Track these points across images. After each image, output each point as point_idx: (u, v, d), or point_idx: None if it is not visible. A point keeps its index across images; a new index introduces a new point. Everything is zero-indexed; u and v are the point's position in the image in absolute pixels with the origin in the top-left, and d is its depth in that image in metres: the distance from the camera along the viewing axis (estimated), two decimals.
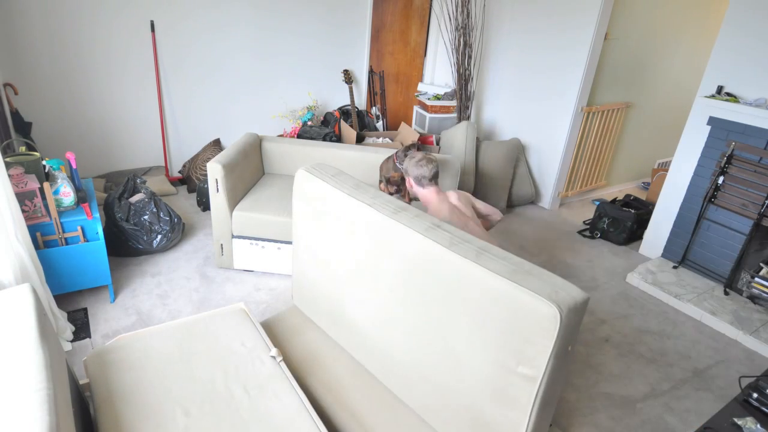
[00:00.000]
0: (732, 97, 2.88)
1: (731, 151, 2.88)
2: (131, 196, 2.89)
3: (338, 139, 3.88)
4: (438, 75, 4.88)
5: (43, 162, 2.40)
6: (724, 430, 1.65)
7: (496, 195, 3.88)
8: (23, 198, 2.15)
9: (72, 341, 2.21)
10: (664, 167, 4.63)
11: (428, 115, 4.43)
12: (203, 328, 1.89)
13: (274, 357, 1.79)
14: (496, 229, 3.71)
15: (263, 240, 2.75)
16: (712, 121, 2.96)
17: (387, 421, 1.64)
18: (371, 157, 3.14)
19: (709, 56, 2.99)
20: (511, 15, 4.14)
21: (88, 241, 2.35)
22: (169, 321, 2.38)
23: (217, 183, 2.61)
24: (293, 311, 2.15)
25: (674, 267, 3.23)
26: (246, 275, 2.84)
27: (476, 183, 3.87)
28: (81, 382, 1.87)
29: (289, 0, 3.91)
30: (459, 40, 4.11)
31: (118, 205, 2.80)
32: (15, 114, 3.06)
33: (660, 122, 4.65)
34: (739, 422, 1.67)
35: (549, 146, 4.06)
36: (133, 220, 2.80)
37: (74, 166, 2.45)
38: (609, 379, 2.31)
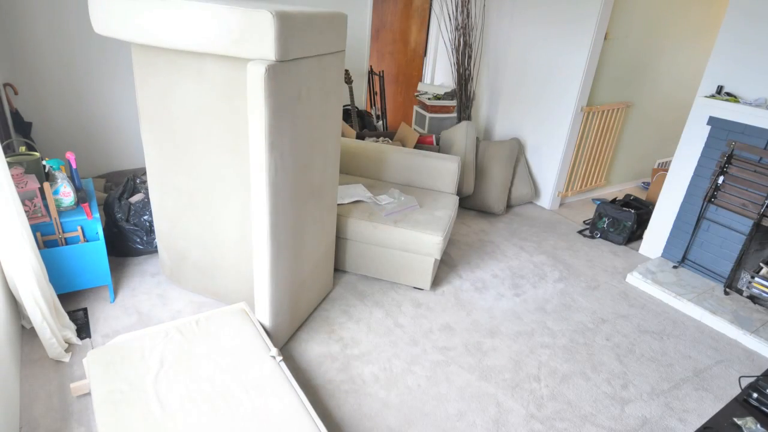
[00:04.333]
0: (732, 97, 2.88)
1: (731, 151, 2.88)
2: (131, 196, 2.89)
3: None
4: (438, 75, 4.88)
5: (43, 162, 2.40)
6: (724, 430, 1.65)
7: (496, 195, 3.88)
8: (23, 198, 2.15)
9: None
10: (664, 167, 4.63)
11: (428, 115, 4.43)
12: (203, 328, 1.89)
13: (274, 357, 1.79)
14: (500, 228, 3.71)
15: None
16: (712, 121, 2.96)
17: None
18: (384, 149, 3.17)
19: (709, 56, 2.99)
20: (511, 15, 4.14)
21: (88, 241, 2.35)
22: (169, 321, 2.38)
23: None
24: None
25: (674, 267, 3.23)
26: None
27: (476, 183, 3.87)
28: (81, 381, 1.87)
29: (289, 0, 3.91)
30: (459, 40, 4.11)
31: (118, 205, 2.80)
32: (15, 114, 3.05)
33: (660, 122, 4.64)
34: (739, 422, 1.67)
35: (549, 146, 4.06)
36: (133, 220, 2.80)
37: (74, 166, 2.45)
38: (609, 379, 2.31)
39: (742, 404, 1.76)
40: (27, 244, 1.92)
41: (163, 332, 1.86)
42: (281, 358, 1.80)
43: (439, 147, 4.01)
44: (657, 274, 3.14)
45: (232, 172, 2.09)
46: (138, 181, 2.98)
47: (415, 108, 4.74)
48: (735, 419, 1.68)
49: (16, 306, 2.19)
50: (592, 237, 3.73)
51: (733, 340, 2.67)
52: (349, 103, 4.36)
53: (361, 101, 4.63)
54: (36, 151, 2.48)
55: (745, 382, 2.34)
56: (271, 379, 1.69)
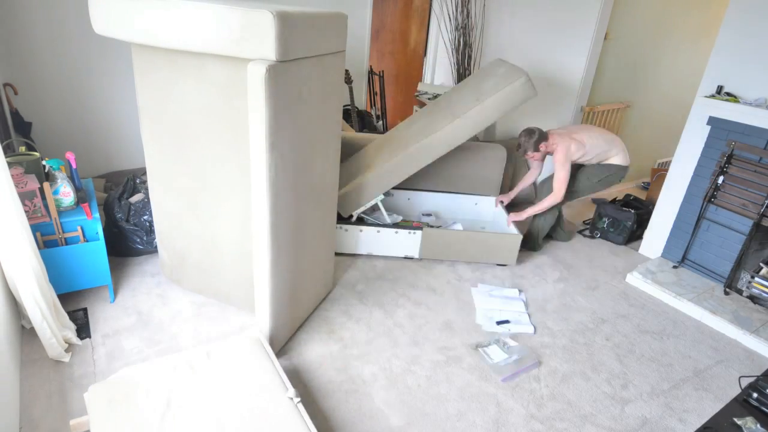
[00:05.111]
0: (732, 97, 2.88)
1: (731, 151, 2.88)
2: (131, 196, 2.89)
3: None
4: (438, 75, 4.87)
5: (43, 162, 2.40)
6: (724, 430, 1.65)
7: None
8: (23, 198, 2.14)
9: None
10: (664, 167, 4.63)
11: None
12: (213, 362, 1.78)
13: (291, 398, 1.68)
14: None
15: None
16: (712, 121, 2.96)
17: None
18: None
19: (709, 56, 2.99)
20: (511, 15, 4.14)
21: (88, 241, 2.35)
22: (169, 321, 2.38)
23: None
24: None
25: (674, 267, 3.23)
26: None
27: None
28: (81, 418, 1.72)
29: (289, 0, 3.91)
30: (459, 40, 4.11)
31: (118, 205, 2.80)
32: (15, 114, 3.05)
33: (660, 122, 4.65)
34: (739, 422, 1.67)
35: None
36: (133, 220, 2.80)
37: (74, 166, 2.44)
38: (609, 379, 2.31)
39: (742, 404, 1.76)
40: (27, 244, 1.92)
41: (171, 366, 1.73)
42: (299, 399, 1.68)
43: None
44: (657, 274, 3.14)
45: (233, 172, 2.09)
46: (138, 181, 2.98)
47: (415, 108, 4.73)
48: (735, 419, 1.68)
49: (16, 306, 2.19)
50: (592, 237, 3.73)
51: (733, 340, 2.67)
52: (349, 103, 4.36)
53: (361, 101, 4.63)
54: (36, 151, 2.48)
55: (745, 382, 2.34)
56: (288, 425, 1.56)
